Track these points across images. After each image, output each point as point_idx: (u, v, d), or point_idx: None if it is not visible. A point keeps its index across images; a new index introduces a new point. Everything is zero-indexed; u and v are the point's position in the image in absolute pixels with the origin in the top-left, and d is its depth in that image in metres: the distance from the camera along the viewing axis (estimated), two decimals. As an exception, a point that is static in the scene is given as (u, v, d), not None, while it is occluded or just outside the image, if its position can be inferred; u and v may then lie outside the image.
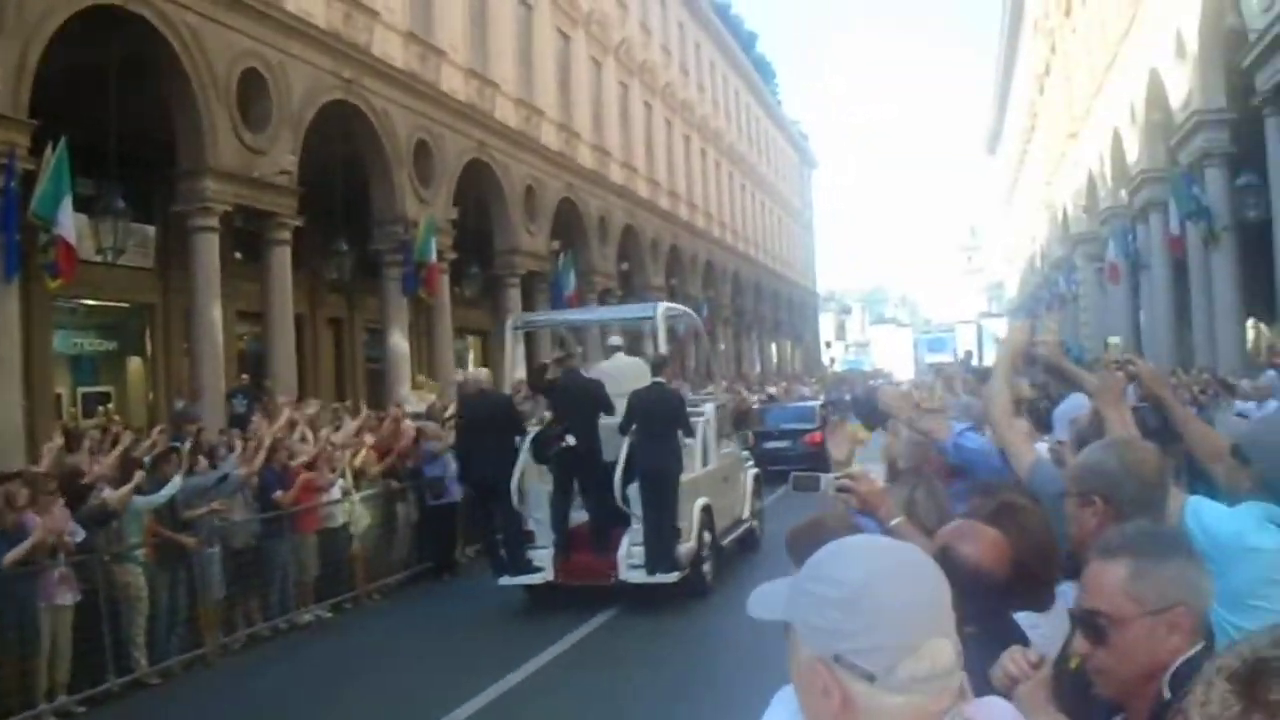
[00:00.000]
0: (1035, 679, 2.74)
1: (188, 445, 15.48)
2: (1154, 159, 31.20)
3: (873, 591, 1.77)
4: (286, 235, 21.89)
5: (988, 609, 3.27)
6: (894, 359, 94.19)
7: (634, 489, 14.65)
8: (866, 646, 1.74)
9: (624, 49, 44.18)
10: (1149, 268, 32.65)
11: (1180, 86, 26.88)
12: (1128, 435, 4.44)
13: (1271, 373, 16.00)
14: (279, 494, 15.10)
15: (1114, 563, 2.71)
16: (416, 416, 20.60)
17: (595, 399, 15.13)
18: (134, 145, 19.17)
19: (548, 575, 14.82)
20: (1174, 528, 3.22)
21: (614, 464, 14.71)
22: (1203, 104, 25.32)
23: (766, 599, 1.93)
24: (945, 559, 3.39)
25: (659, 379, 15.43)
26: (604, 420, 15.07)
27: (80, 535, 11.99)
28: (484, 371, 18.56)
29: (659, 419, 14.78)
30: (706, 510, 15.59)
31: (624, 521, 14.78)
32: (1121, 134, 35.23)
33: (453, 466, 17.85)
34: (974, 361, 29.35)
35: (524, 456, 15.29)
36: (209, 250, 19.92)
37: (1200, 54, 25.11)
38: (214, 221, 19.88)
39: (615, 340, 18.16)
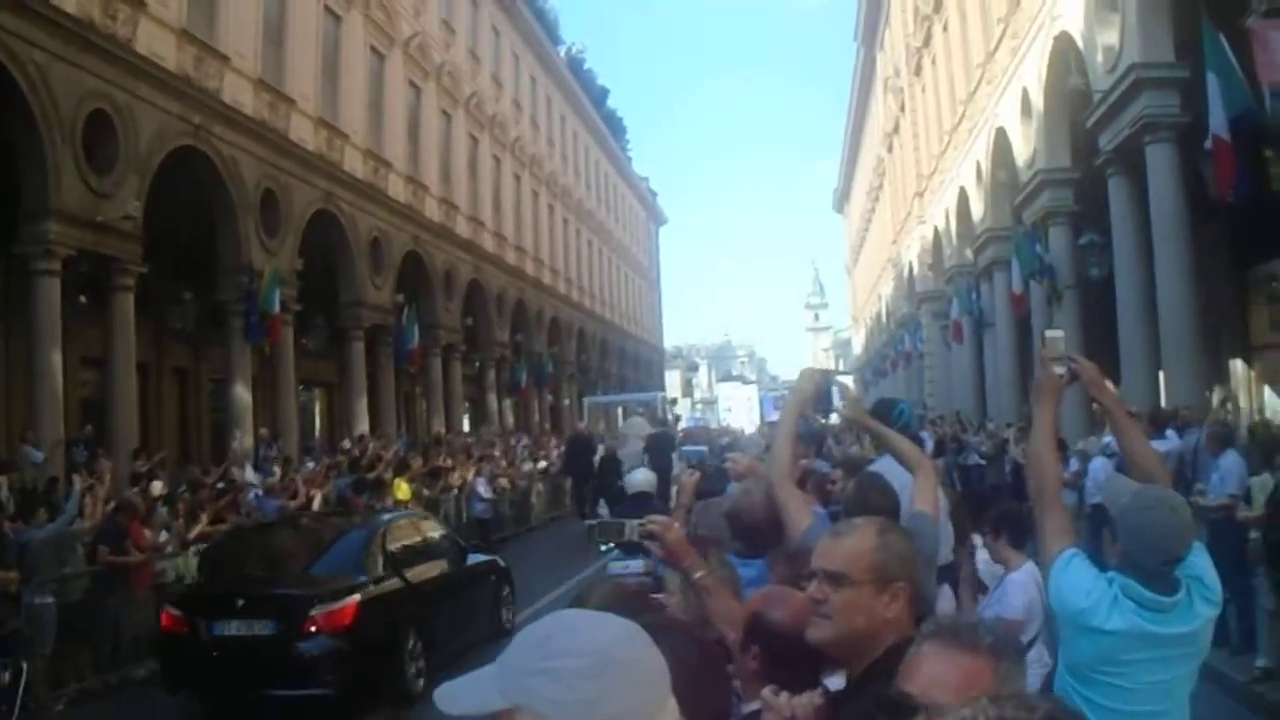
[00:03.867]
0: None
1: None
2: (999, 217, 31.71)
3: (616, 656, 1.80)
4: (130, 282, 21.48)
5: (800, 674, 3.28)
6: (741, 416, 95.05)
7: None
8: (621, 710, 1.76)
9: (475, 102, 44.37)
10: (993, 325, 33.06)
11: (1025, 146, 27.50)
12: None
13: (1109, 437, 16.18)
14: (104, 549, 14.80)
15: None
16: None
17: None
18: (-26, 184, 18.78)
19: (606, 518, 22.95)
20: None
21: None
22: (1047, 163, 25.86)
23: (472, 692, 1.87)
24: (756, 626, 3.49)
25: (664, 428, 36.64)
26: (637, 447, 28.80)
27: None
28: (582, 425, 43.57)
29: (664, 445, 28.66)
30: (679, 491, 24.89)
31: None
32: (968, 192, 35.81)
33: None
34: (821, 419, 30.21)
35: (598, 463, 29.36)
36: (50, 294, 19.51)
37: (1045, 114, 25.73)
38: (56, 265, 19.47)
39: (638, 411, 42.48)
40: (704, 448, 38.91)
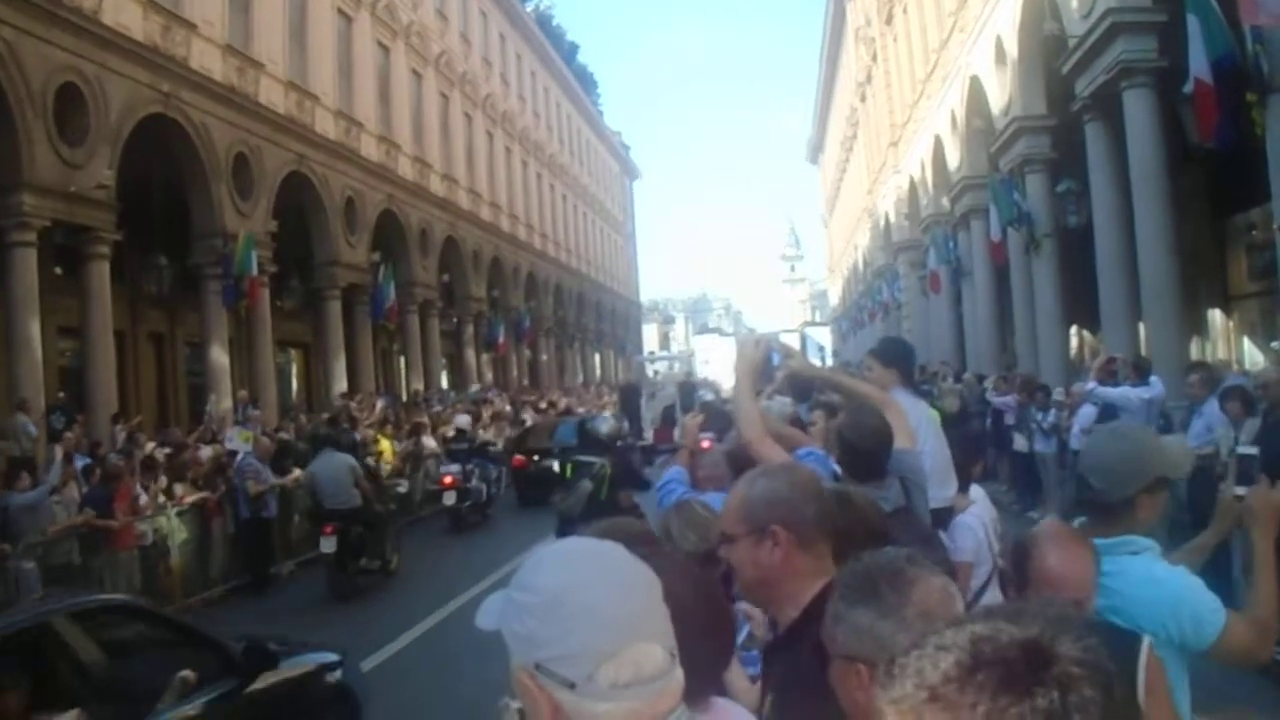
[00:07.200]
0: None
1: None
2: (975, 166, 31.34)
3: (567, 599, 1.80)
4: (105, 250, 21.50)
5: None
6: (718, 369, 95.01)
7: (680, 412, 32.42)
8: (563, 654, 1.78)
9: (444, 60, 44.11)
10: (971, 274, 32.68)
11: (1001, 93, 27.14)
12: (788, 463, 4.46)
13: (1093, 383, 16.19)
14: (90, 512, 14.91)
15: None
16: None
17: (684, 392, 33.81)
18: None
19: (649, 440, 32.13)
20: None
21: (675, 404, 32.92)
22: (1023, 110, 25.54)
23: (485, 610, 1.94)
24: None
25: (689, 378, 48.78)
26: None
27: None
28: (632, 377, 62.01)
29: (689, 389, 30.54)
30: (683, 432, 32.10)
31: (674, 422, 32.07)
32: (943, 141, 35.45)
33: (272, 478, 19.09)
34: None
35: (644, 402, 37.93)
36: (26, 266, 19.54)
37: (1020, 60, 25.36)
38: (32, 236, 19.52)
39: (672, 365, 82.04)
40: (711, 394, 40.24)
